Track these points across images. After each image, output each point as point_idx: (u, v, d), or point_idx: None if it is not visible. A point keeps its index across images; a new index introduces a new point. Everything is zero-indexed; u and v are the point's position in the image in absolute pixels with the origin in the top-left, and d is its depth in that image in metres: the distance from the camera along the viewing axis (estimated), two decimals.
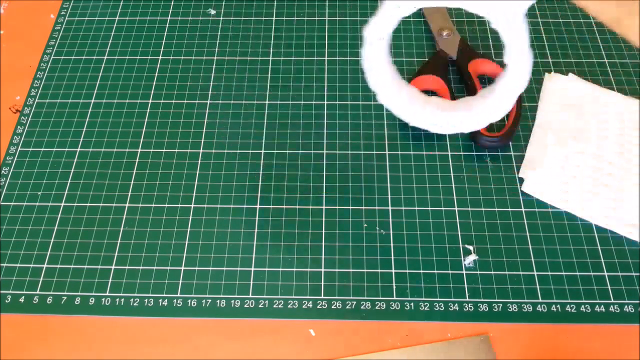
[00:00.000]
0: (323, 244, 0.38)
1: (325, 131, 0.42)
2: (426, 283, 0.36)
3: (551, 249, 0.37)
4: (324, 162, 0.41)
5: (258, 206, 0.39)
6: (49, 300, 0.36)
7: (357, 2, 0.50)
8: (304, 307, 0.35)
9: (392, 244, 0.37)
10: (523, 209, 0.39)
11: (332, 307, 0.35)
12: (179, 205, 0.39)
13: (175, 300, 0.36)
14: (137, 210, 0.39)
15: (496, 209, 0.39)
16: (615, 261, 0.36)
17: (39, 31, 0.49)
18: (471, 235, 0.38)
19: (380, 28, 0.28)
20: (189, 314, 0.35)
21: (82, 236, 0.38)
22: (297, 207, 0.39)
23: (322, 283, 0.36)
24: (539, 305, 0.35)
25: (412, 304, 0.35)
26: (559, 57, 0.46)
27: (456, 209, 0.39)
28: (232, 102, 0.44)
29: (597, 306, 0.35)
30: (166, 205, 0.39)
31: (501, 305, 0.35)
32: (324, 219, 0.38)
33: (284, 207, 0.39)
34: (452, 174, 0.40)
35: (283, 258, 0.37)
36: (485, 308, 0.35)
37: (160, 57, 0.47)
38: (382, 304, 0.35)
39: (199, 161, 0.41)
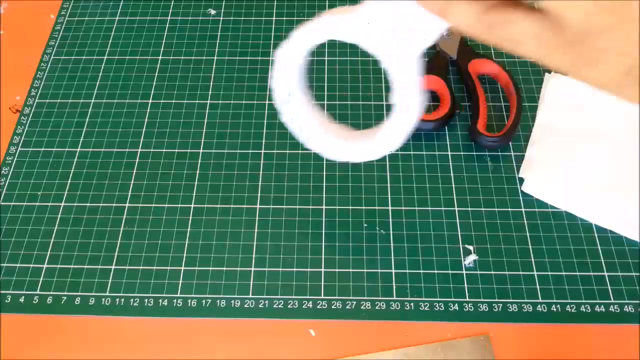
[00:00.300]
0: (323, 244, 0.38)
1: None
2: (426, 283, 0.36)
3: (551, 249, 0.37)
4: (324, 162, 0.41)
5: (258, 206, 0.39)
6: (49, 300, 0.36)
7: (357, 2, 0.50)
8: (304, 307, 0.35)
9: (392, 244, 0.37)
10: (523, 209, 0.39)
11: (332, 307, 0.35)
12: (179, 205, 0.39)
13: (175, 300, 0.36)
14: (137, 210, 0.39)
15: (496, 209, 0.39)
16: (615, 261, 0.36)
17: (39, 31, 0.49)
18: (471, 235, 0.38)
19: (292, 52, 0.29)
20: (189, 314, 0.35)
21: (82, 236, 0.38)
22: (297, 207, 0.39)
23: (322, 283, 0.36)
24: (539, 305, 0.35)
25: (412, 304, 0.35)
26: None
27: (456, 209, 0.39)
28: (232, 102, 0.44)
29: (597, 306, 0.35)
30: (166, 205, 0.39)
31: (501, 305, 0.35)
32: (324, 219, 0.38)
33: (284, 207, 0.39)
34: (452, 174, 0.40)
35: (283, 258, 0.37)
36: (485, 308, 0.35)
37: (160, 57, 0.47)
38: (382, 304, 0.35)
39: (199, 161, 0.41)
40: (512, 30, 0.22)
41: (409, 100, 0.28)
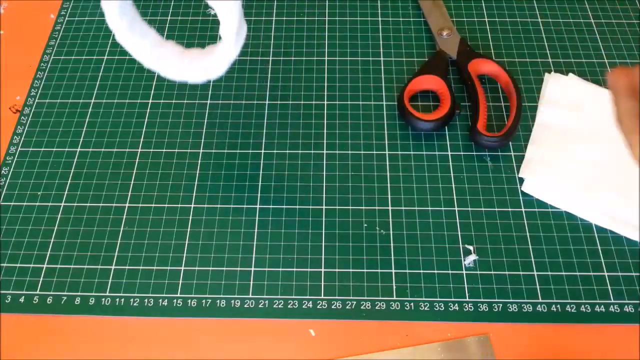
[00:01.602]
0: (323, 244, 0.38)
1: (325, 131, 0.42)
2: (426, 283, 0.36)
3: (551, 249, 0.37)
4: (324, 162, 0.41)
5: (258, 206, 0.39)
6: (49, 300, 0.36)
7: (357, 2, 0.50)
8: (304, 307, 0.35)
9: (392, 244, 0.37)
10: (523, 209, 0.39)
11: (332, 307, 0.35)
12: (179, 205, 0.39)
13: (175, 300, 0.36)
14: (137, 210, 0.39)
15: (496, 209, 0.39)
16: (615, 261, 0.36)
17: (39, 31, 0.49)
18: (471, 235, 0.38)
19: None
20: (189, 314, 0.35)
21: (82, 236, 0.38)
22: (297, 207, 0.39)
23: (322, 283, 0.36)
24: (539, 305, 0.35)
25: (412, 304, 0.35)
26: (559, 57, 0.46)
27: (456, 209, 0.39)
28: (232, 102, 0.44)
29: (597, 306, 0.35)
30: (166, 205, 0.39)
31: (501, 305, 0.35)
32: (324, 219, 0.38)
33: (284, 207, 0.39)
34: (452, 174, 0.40)
35: (283, 258, 0.37)
36: (485, 308, 0.35)
37: None
38: (382, 304, 0.35)
39: (199, 161, 0.41)
40: None
41: (231, 38, 0.32)
